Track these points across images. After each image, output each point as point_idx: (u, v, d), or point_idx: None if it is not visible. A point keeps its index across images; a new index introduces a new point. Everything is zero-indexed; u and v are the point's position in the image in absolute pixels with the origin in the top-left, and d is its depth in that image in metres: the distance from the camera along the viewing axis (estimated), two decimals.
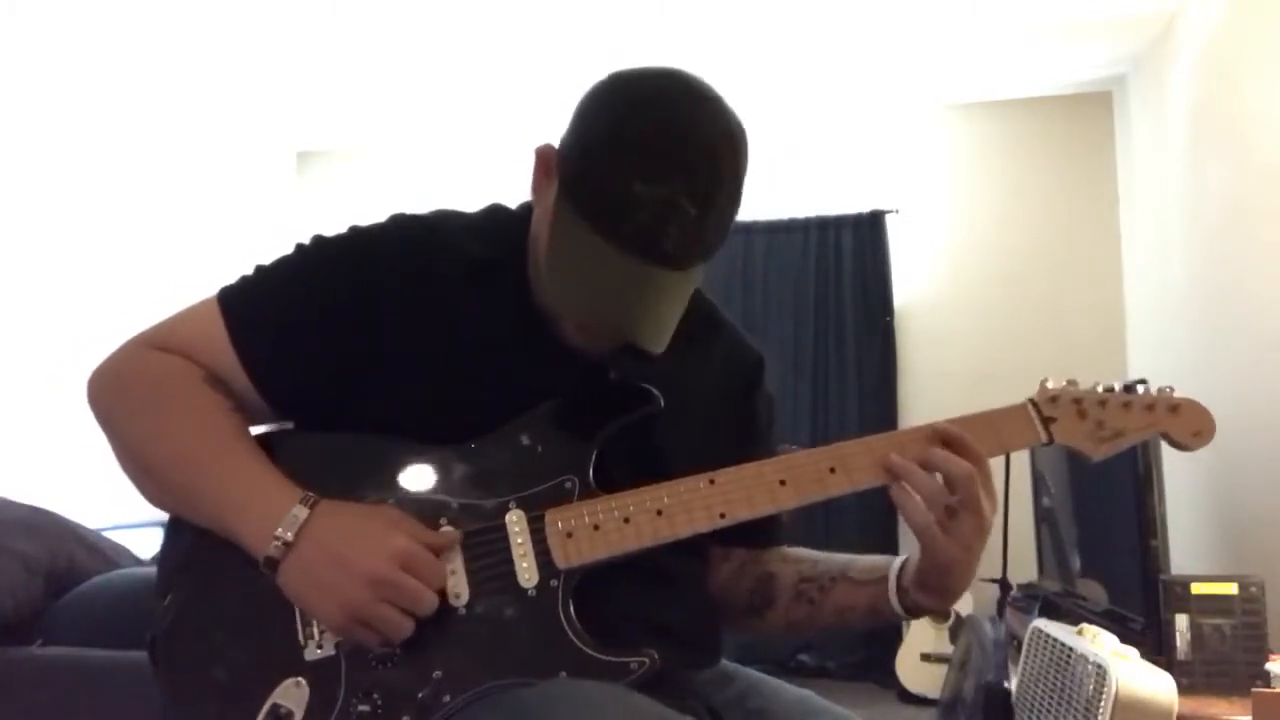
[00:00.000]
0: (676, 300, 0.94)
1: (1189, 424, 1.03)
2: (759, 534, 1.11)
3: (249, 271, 1.04)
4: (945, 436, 0.97)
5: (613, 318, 0.93)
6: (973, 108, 4.57)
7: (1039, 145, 4.50)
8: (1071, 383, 1.05)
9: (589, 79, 1.00)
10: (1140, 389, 1.06)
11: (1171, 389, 1.05)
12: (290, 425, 1.07)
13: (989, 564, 3.42)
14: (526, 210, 1.08)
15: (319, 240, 1.04)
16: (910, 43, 3.95)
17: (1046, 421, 1.03)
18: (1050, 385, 1.04)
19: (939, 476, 0.95)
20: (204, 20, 3.62)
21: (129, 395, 1.01)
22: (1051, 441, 1.03)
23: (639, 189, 0.88)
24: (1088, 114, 4.45)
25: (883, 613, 1.03)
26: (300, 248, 1.04)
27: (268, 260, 1.05)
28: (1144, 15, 3.67)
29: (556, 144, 0.98)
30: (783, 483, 0.99)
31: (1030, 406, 1.04)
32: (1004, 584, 3.26)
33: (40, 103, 3.81)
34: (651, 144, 0.90)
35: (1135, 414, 1.04)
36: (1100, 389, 1.04)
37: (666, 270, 0.91)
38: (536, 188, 1.00)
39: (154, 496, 0.99)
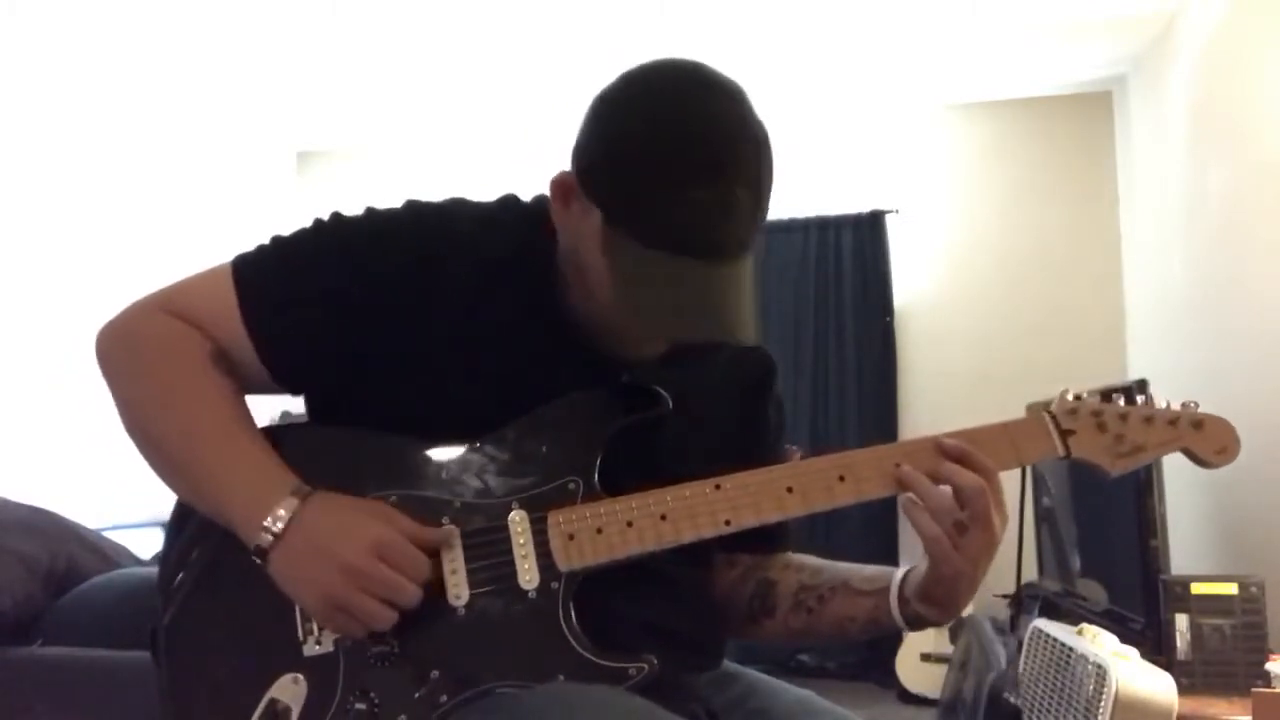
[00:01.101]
0: (748, 284, 0.94)
1: (1214, 441, 1.01)
2: (765, 541, 1.10)
3: (265, 241, 1.04)
4: (955, 451, 0.95)
5: (704, 329, 0.93)
6: (973, 108, 4.57)
7: (1039, 145, 4.50)
8: (1092, 394, 1.02)
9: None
10: (1163, 403, 1.02)
11: (1196, 404, 1.02)
12: (301, 417, 1.08)
13: (1003, 577, 3.42)
14: (540, 203, 1.07)
15: (336, 218, 1.04)
16: (910, 43, 3.94)
17: (1064, 434, 1.00)
18: (1070, 397, 1.01)
19: (949, 489, 0.93)
20: (204, 21, 3.62)
21: (137, 358, 1.01)
22: (1069, 455, 1.00)
23: (698, 197, 0.87)
24: (1088, 114, 4.45)
25: (883, 623, 1.02)
26: (319, 222, 1.04)
27: (285, 232, 1.05)
28: (1144, 15, 3.66)
29: (571, 162, 0.96)
30: (790, 490, 0.97)
31: (1048, 418, 1.01)
32: (1017, 599, 3.19)
33: (41, 103, 3.81)
34: (696, 148, 0.88)
35: (1157, 429, 1.01)
36: (1122, 402, 1.01)
37: (736, 262, 0.91)
38: (563, 217, 0.98)
39: (153, 463, 0.99)
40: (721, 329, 0.92)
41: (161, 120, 4.39)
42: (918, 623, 1.01)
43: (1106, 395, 1.03)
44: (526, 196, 1.11)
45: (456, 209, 1.06)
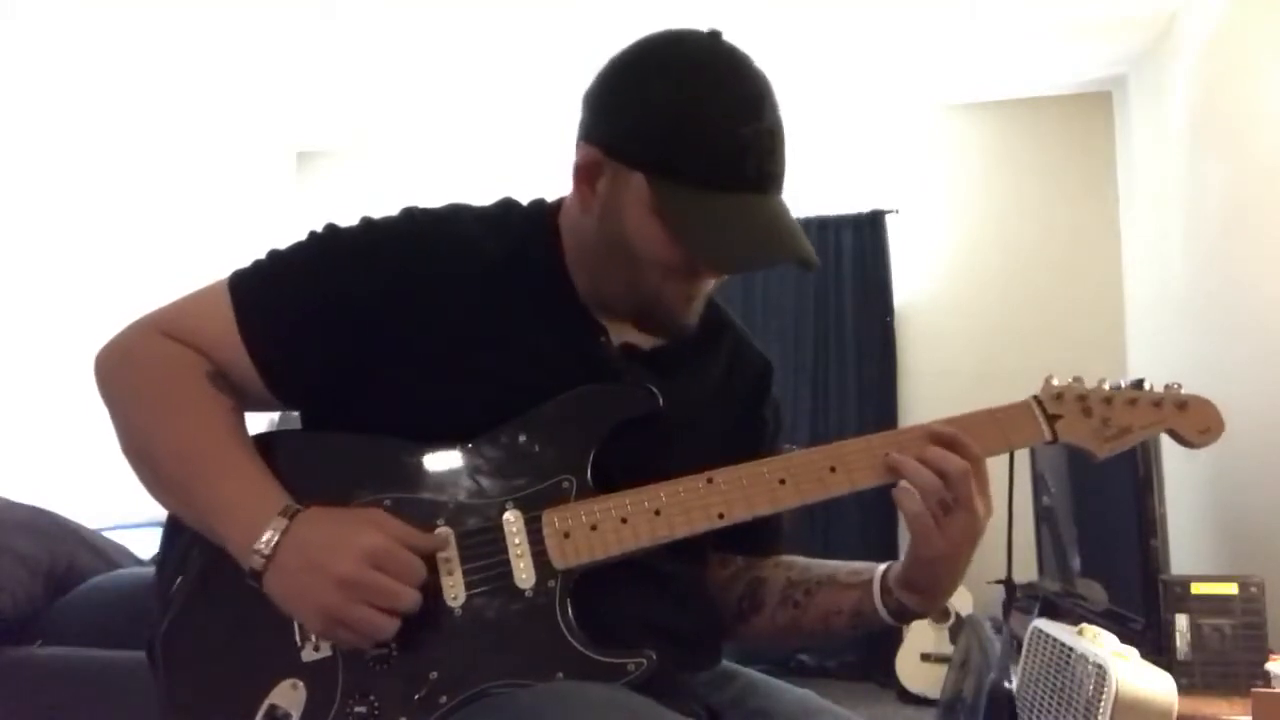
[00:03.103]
0: (791, 217, 0.98)
1: (1197, 421, 1.03)
2: (758, 542, 1.11)
3: (261, 256, 1.04)
4: (943, 436, 0.97)
5: (774, 255, 0.96)
6: (973, 108, 4.57)
7: (1039, 145, 4.50)
8: (1077, 380, 1.04)
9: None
10: (1147, 385, 1.04)
11: (1179, 385, 1.04)
12: (295, 423, 1.07)
13: (994, 565, 3.42)
14: (540, 207, 1.08)
15: (332, 230, 1.03)
16: (910, 43, 3.94)
17: (1051, 419, 1.02)
18: (1055, 382, 1.04)
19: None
20: (204, 21, 3.62)
21: (134, 381, 1.00)
22: (1056, 439, 1.02)
23: (746, 132, 0.92)
24: (1088, 114, 4.45)
25: (867, 615, 1.03)
26: (314, 235, 1.03)
27: (280, 245, 1.04)
28: (1144, 15, 3.66)
29: (593, 139, 0.97)
30: (782, 482, 0.98)
31: (1035, 404, 1.03)
32: (1009, 585, 3.22)
33: (41, 103, 3.81)
34: (735, 86, 0.94)
35: (1142, 411, 1.03)
36: (1106, 386, 1.03)
37: (779, 194, 0.97)
38: (589, 198, 0.98)
39: (150, 487, 0.99)
40: (789, 254, 0.95)
41: (162, 120, 4.40)
42: (901, 614, 1.02)
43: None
44: (526, 198, 1.12)
45: (455, 214, 1.06)
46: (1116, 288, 4.35)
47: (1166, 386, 1.05)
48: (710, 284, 1.04)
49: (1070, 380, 1.04)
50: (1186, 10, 3.51)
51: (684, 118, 0.92)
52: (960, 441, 0.96)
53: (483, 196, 1.13)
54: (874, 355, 4.49)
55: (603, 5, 3.54)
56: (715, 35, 0.98)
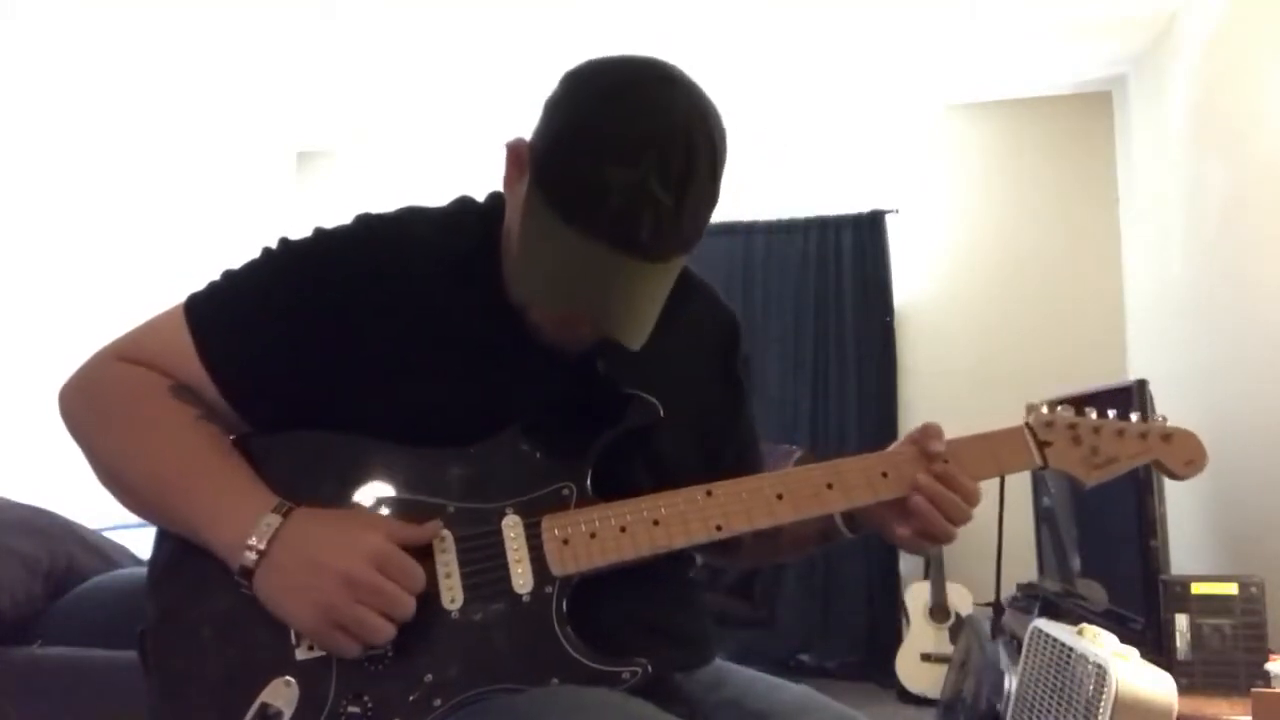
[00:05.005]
0: (655, 294, 0.92)
1: (1181, 453, 1.07)
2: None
3: (217, 277, 1.03)
4: (940, 472, 1.01)
5: (589, 310, 0.91)
6: (973, 108, 4.57)
7: (1039, 145, 4.49)
8: (1065, 408, 1.08)
9: None
10: (1134, 417, 1.09)
11: (1164, 418, 1.09)
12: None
13: (984, 587, 3.42)
14: (496, 200, 1.07)
15: (285, 244, 1.03)
16: (910, 43, 3.94)
17: (1042, 446, 1.06)
18: (1045, 411, 1.07)
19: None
20: (204, 21, 3.62)
21: (98, 409, 0.99)
22: (1046, 465, 1.06)
23: (611, 175, 0.85)
24: (1088, 114, 4.44)
25: (831, 535, 1.11)
26: (267, 252, 1.03)
27: (236, 265, 1.03)
28: (1144, 15, 3.66)
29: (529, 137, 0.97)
30: (780, 497, 1.00)
31: (1026, 431, 1.06)
32: (997, 607, 3.25)
33: (41, 104, 3.81)
34: (623, 129, 0.87)
35: (1128, 442, 1.07)
36: (1094, 415, 1.07)
37: (643, 262, 0.89)
38: (509, 182, 0.98)
39: (131, 508, 0.98)
40: (608, 321, 0.90)
41: (162, 121, 4.40)
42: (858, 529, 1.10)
43: (1080, 408, 1.09)
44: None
45: (410, 216, 1.05)
46: (1116, 288, 4.35)
47: (1153, 418, 1.09)
48: (585, 327, 0.97)
49: (1059, 409, 1.08)
50: (1186, 10, 3.51)
51: (568, 136, 0.89)
52: (954, 480, 1.01)
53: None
54: (874, 355, 4.48)
55: (602, 5, 3.53)
56: (666, 79, 0.91)
